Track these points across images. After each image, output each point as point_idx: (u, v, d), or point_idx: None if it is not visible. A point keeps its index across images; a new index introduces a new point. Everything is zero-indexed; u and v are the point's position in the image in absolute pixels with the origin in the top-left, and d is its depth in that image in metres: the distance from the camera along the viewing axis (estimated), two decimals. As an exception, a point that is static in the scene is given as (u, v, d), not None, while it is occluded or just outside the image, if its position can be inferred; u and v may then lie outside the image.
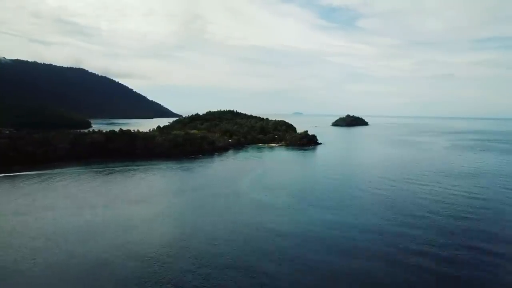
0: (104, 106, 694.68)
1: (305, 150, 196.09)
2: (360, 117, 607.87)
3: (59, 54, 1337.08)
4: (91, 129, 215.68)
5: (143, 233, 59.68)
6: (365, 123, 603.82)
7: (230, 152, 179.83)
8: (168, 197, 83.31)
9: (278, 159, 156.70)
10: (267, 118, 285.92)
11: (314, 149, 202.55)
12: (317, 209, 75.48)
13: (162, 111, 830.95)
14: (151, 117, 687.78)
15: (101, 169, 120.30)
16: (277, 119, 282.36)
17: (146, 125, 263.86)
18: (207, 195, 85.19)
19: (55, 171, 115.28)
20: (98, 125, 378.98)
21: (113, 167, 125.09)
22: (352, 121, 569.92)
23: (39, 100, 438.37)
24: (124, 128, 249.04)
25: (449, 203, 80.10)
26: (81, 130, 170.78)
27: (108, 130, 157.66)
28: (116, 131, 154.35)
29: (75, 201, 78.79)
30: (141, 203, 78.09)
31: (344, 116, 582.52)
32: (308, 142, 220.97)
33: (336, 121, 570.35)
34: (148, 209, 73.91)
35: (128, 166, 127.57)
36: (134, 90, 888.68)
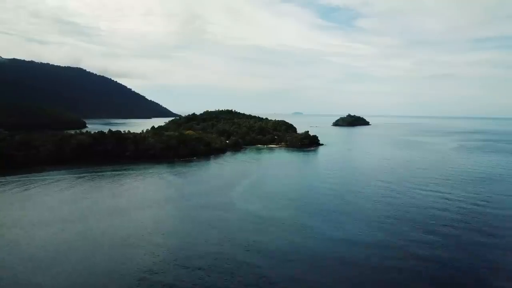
0: (102, 106, 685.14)
1: (306, 151, 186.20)
2: (361, 116, 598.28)
3: (57, 53, 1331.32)
4: (84, 130, 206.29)
5: (101, 257, 49.94)
6: (366, 123, 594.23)
7: (227, 154, 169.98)
8: (149, 210, 72.95)
9: (277, 162, 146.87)
10: (266, 118, 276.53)
11: (315, 150, 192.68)
12: (319, 225, 65.49)
13: (161, 111, 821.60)
14: (149, 117, 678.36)
15: (85, 174, 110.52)
16: (277, 119, 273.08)
17: (142, 126, 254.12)
18: (195, 207, 74.96)
19: (34, 176, 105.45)
20: (94, 125, 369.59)
21: (99, 171, 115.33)
22: (353, 121, 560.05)
23: (35, 99, 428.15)
24: (120, 128, 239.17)
25: (469, 223, 67.31)
26: (68, 131, 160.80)
27: (96, 131, 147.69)
28: (104, 132, 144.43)
29: (46, 214, 69.08)
30: (116, 216, 68.00)
31: (345, 116, 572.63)
32: (309, 143, 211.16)
33: (337, 120, 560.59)
34: (120, 225, 63.76)
35: (115, 170, 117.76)
36: (133, 90, 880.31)
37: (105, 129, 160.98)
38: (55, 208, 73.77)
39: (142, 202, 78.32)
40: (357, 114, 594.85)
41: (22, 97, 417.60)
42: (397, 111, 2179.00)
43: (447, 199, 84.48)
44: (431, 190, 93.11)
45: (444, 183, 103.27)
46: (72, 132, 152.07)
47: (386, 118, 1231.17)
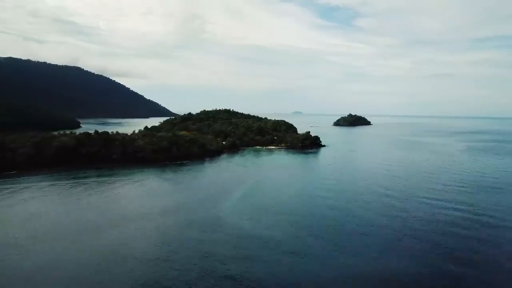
0: (99, 106, 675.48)
1: (308, 153, 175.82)
2: (362, 116, 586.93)
3: (55, 53, 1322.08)
4: (77, 130, 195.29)
5: None
6: (368, 123, 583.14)
7: (223, 156, 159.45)
8: (127, 227, 62.02)
9: (276, 166, 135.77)
10: (265, 118, 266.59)
11: (317, 152, 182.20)
12: (321, 250, 55.16)
13: (160, 111, 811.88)
14: (147, 117, 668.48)
15: (65, 181, 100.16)
16: (276, 119, 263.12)
17: (138, 125, 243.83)
18: (180, 224, 64.12)
19: (8, 182, 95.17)
20: (89, 125, 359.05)
21: (81, 177, 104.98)
22: (354, 121, 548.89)
23: (30, 99, 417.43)
24: (116, 128, 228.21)
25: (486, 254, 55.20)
26: (51, 132, 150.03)
27: (81, 132, 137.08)
28: (90, 133, 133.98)
29: (10, 229, 58.99)
30: (88, 235, 57.77)
31: (346, 115, 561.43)
32: (310, 144, 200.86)
33: (338, 120, 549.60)
34: (91, 247, 53.61)
35: (99, 176, 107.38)
36: (131, 89, 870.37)
37: (100, 129, 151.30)
38: (23, 221, 63.79)
39: (122, 217, 67.86)
40: (357, 114, 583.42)
41: (18, 96, 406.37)
42: (397, 111, 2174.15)
43: (467, 219, 73.88)
44: (446, 207, 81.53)
45: (459, 193, 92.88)
46: (56, 133, 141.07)
47: (386, 117, 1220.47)
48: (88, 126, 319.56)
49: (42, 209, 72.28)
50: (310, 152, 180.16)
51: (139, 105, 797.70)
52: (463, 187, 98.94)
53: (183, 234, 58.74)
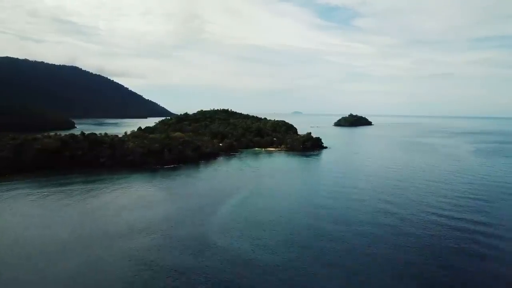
0: (97, 105, 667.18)
1: (309, 156, 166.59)
2: (363, 116, 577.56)
3: (53, 52, 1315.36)
4: (70, 131, 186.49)
5: None
6: (369, 123, 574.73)
7: (220, 159, 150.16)
8: (97, 247, 52.97)
9: (276, 171, 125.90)
10: (265, 118, 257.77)
11: (319, 155, 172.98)
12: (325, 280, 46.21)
13: (158, 111, 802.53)
14: (145, 117, 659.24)
15: (41, 188, 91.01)
16: (276, 119, 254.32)
17: (135, 126, 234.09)
18: (162, 244, 54.84)
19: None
20: (84, 126, 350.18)
21: (63, 183, 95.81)
22: (355, 121, 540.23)
23: (27, 98, 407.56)
24: (111, 128, 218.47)
25: None
26: (42, 133, 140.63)
27: (67, 134, 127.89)
28: (76, 135, 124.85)
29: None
30: (45, 255, 48.84)
31: (347, 116, 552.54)
32: (311, 146, 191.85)
33: (339, 120, 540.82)
34: (54, 273, 44.69)
35: (82, 182, 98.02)
36: (130, 88, 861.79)
37: (96, 129, 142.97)
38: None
39: (96, 234, 58.70)
40: (357, 114, 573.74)
41: (14, 96, 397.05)
42: (397, 111, 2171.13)
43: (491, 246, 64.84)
44: (458, 228, 69.38)
45: (472, 209, 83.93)
46: (39, 135, 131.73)
47: (386, 117, 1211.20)
48: (83, 127, 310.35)
49: (11, 221, 63.41)
50: (312, 155, 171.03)
51: (138, 105, 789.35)
52: (478, 199, 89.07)
53: (166, 257, 49.51)
